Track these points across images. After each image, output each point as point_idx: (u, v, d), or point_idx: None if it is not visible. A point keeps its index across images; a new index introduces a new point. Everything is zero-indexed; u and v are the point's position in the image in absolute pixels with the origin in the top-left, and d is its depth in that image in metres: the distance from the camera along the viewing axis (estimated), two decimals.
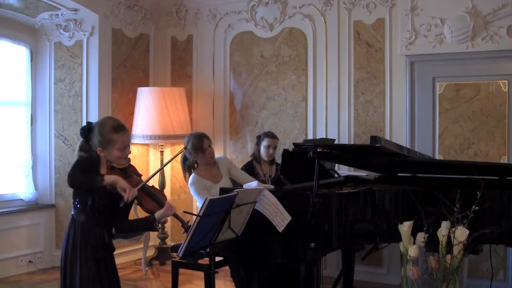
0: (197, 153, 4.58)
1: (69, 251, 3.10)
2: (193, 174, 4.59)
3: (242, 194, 3.34)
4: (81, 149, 3.13)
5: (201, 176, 4.57)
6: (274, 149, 5.17)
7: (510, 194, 3.73)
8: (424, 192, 3.77)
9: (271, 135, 5.18)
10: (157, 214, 3.18)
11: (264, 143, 5.15)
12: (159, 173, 6.03)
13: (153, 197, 3.21)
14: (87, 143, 3.13)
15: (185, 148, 4.53)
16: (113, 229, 3.23)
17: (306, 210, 3.65)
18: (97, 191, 3.03)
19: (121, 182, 3.00)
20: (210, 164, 4.66)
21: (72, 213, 3.13)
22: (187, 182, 4.68)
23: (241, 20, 6.07)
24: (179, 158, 4.65)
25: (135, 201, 3.16)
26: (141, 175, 3.31)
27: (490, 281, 4.20)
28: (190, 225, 3.24)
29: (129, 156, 3.21)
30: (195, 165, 4.64)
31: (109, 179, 2.98)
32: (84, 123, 5.85)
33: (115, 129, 3.08)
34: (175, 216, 3.31)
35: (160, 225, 6.11)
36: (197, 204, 4.63)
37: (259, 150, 5.19)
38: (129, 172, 3.20)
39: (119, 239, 4.81)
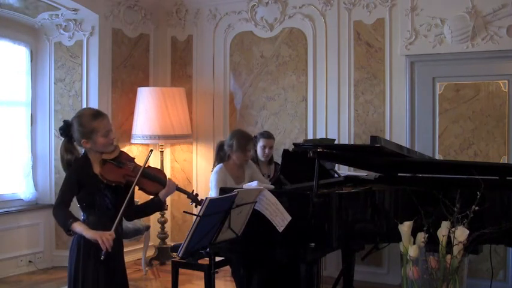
0: (238, 151, 4.59)
1: (81, 253, 3.04)
2: (222, 164, 4.62)
3: (242, 194, 3.34)
4: (65, 149, 3.09)
5: (227, 170, 4.60)
6: (270, 149, 5.15)
7: (510, 194, 3.73)
8: (424, 192, 3.77)
9: (266, 136, 5.17)
10: (161, 194, 3.15)
11: (260, 144, 5.13)
12: None
13: (153, 178, 3.17)
14: (70, 141, 3.10)
15: (228, 141, 4.62)
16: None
17: (306, 210, 3.65)
18: (97, 189, 3.03)
19: (88, 234, 2.89)
20: (240, 165, 4.68)
21: (83, 217, 3.10)
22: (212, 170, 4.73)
23: (241, 20, 6.07)
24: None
25: (137, 186, 3.10)
26: (134, 158, 3.23)
27: (490, 281, 4.20)
28: (197, 195, 3.27)
29: (124, 148, 3.19)
30: (227, 158, 4.67)
31: (77, 228, 2.90)
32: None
33: (94, 117, 3.05)
34: (179, 190, 3.26)
35: (161, 219, 6.15)
36: (209, 193, 4.64)
37: (256, 151, 5.17)
38: (122, 160, 3.14)
39: None
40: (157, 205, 3.20)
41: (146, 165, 3.18)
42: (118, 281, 3.16)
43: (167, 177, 3.27)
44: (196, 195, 3.32)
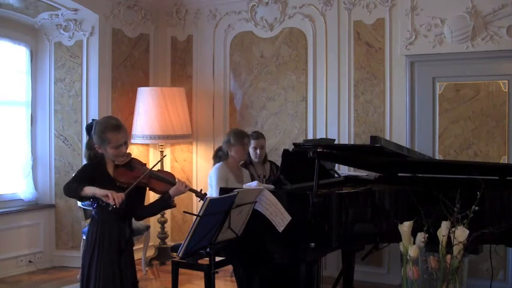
0: (236, 145, 4.65)
1: (86, 248, 3.29)
2: (222, 162, 4.65)
3: (242, 194, 3.34)
4: (87, 145, 3.34)
5: (227, 167, 4.61)
6: (261, 149, 5.12)
7: (510, 194, 3.73)
8: (424, 192, 3.77)
9: (255, 136, 5.14)
10: (171, 191, 3.30)
11: (251, 145, 5.08)
12: None
13: (162, 179, 3.33)
14: (91, 138, 3.31)
15: (225, 140, 4.72)
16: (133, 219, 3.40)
17: (306, 210, 3.65)
18: (110, 187, 3.15)
19: (98, 192, 3.10)
20: (239, 163, 4.76)
21: (93, 213, 3.30)
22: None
23: (241, 20, 6.07)
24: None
25: (147, 187, 3.31)
26: (145, 164, 3.42)
27: (490, 281, 4.20)
28: (205, 194, 3.37)
29: (129, 151, 3.34)
30: (226, 157, 4.71)
31: (88, 190, 3.11)
32: (85, 123, 5.94)
33: (110, 128, 3.22)
34: (191, 190, 3.41)
35: (161, 219, 6.16)
36: (208, 191, 4.64)
37: (248, 153, 5.13)
38: (133, 165, 3.32)
39: None
40: (165, 201, 3.32)
41: (157, 170, 3.38)
42: (127, 276, 3.30)
43: (175, 177, 3.40)
44: (205, 194, 3.40)
